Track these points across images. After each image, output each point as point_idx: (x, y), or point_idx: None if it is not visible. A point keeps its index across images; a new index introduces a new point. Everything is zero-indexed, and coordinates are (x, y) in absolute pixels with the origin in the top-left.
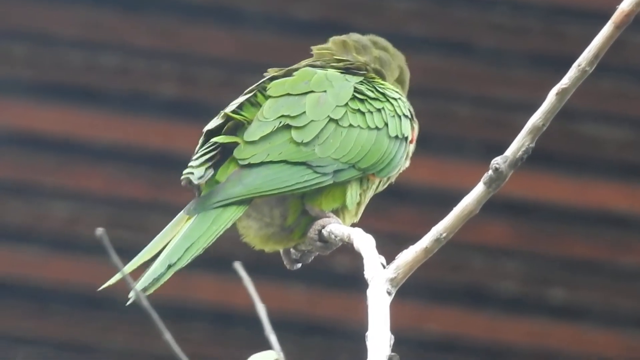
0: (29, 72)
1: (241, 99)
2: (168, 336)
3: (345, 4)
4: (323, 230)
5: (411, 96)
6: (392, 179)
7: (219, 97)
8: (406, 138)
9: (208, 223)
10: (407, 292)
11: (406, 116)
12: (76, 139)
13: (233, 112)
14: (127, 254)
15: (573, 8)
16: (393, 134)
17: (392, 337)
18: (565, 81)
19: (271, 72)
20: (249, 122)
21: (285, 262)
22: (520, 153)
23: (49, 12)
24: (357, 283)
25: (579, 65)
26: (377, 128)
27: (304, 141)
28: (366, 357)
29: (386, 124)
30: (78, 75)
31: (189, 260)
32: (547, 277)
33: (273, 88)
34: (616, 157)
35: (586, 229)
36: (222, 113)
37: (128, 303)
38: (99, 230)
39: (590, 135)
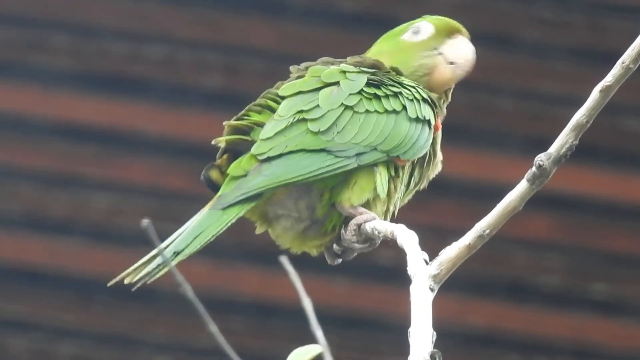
0: (72, 62)
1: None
2: (213, 327)
3: None
4: (366, 226)
5: (454, 89)
6: (425, 183)
7: (263, 89)
8: (428, 121)
9: (219, 214)
10: (449, 285)
11: (425, 100)
12: (118, 130)
13: (238, 119)
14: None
15: (617, 2)
16: (413, 116)
17: (435, 333)
18: (609, 78)
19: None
20: (261, 125)
21: (327, 257)
22: (563, 150)
23: (91, 1)
24: (400, 276)
25: (622, 63)
26: (395, 111)
27: (320, 130)
28: (408, 351)
29: (404, 107)
30: (121, 66)
31: (197, 249)
32: (590, 271)
33: (285, 89)
34: None
35: (629, 224)
36: (226, 125)
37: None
38: (145, 222)
39: (633, 129)
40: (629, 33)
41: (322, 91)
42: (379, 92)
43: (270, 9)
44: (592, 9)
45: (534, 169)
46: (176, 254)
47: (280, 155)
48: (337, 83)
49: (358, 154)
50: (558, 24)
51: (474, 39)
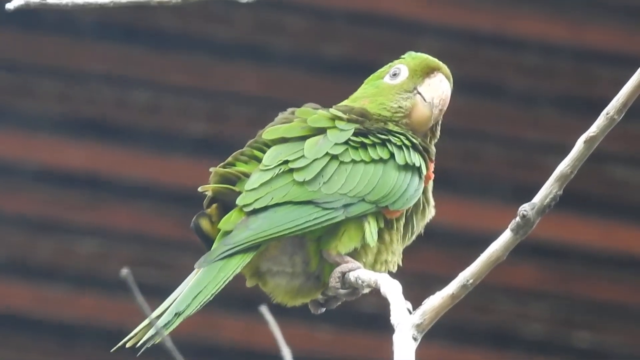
0: (59, 108)
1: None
2: None
3: (375, 43)
4: (350, 275)
5: (440, 136)
6: (421, 229)
7: (248, 135)
8: (419, 169)
9: (215, 271)
10: (433, 333)
11: (415, 147)
12: (104, 176)
13: (224, 166)
14: (155, 293)
15: (603, 52)
16: (402, 163)
17: None
18: (593, 129)
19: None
20: (248, 176)
21: (310, 307)
22: (548, 200)
23: (79, 48)
24: (383, 323)
25: (607, 114)
26: (382, 160)
27: (306, 179)
28: None
29: (392, 154)
30: (108, 112)
31: (197, 308)
32: (574, 320)
33: (268, 133)
34: None
35: (613, 273)
36: (212, 172)
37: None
38: (124, 271)
39: (618, 178)
40: (615, 82)
41: (307, 140)
42: (366, 141)
43: (256, 55)
44: (579, 57)
45: (517, 219)
46: (177, 315)
47: (266, 208)
48: (324, 129)
49: (345, 205)
50: (545, 72)
51: (459, 87)
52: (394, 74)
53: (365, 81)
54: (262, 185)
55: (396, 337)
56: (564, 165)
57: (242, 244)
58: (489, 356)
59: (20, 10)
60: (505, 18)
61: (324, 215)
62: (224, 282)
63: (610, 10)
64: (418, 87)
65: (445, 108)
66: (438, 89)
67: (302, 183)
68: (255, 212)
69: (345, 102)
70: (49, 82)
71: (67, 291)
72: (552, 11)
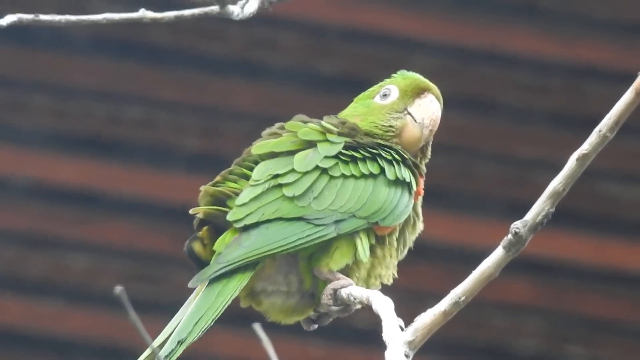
0: (52, 123)
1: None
2: None
3: (368, 60)
4: (342, 292)
5: (433, 153)
6: (411, 243)
7: (242, 151)
8: (409, 184)
9: (214, 296)
10: (426, 350)
11: (405, 162)
12: (98, 192)
13: (214, 184)
14: (148, 308)
15: (595, 69)
16: (392, 178)
17: None
18: (585, 146)
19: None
20: (237, 194)
21: (302, 324)
22: (540, 217)
23: (72, 63)
24: (376, 339)
25: (599, 131)
26: (372, 175)
27: (295, 195)
28: None
29: (383, 169)
30: (101, 128)
31: (199, 335)
32: (567, 335)
33: (258, 147)
34: (635, 216)
35: (606, 288)
36: (202, 191)
37: None
38: (118, 288)
39: (611, 195)
40: (607, 98)
41: (297, 154)
42: (356, 155)
43: (250, 71)
44: (571, 74)
45: (510, 236)
46: (180, 342)
47: (258, 224)
48: (314, 143)
49: (337, 222)
50: (537, 88)
51: (452, 103)
52: (384, 95)
53: (355, 99)
54: (252, 200)
55: (388, 354)
56: (556, 183)
57: (236, 262)
58: None
59: (14, 27)
60: (498, 35)
61: (316, 232)
62: (223, 306)
63: (603, 27)
64: (408, 107)
65: (435, 129)
66: (428, 110)
67: (292, 198)
68: (247, 229)
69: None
70: (41, 97)
71: (59, 306)
72: (545, 28)
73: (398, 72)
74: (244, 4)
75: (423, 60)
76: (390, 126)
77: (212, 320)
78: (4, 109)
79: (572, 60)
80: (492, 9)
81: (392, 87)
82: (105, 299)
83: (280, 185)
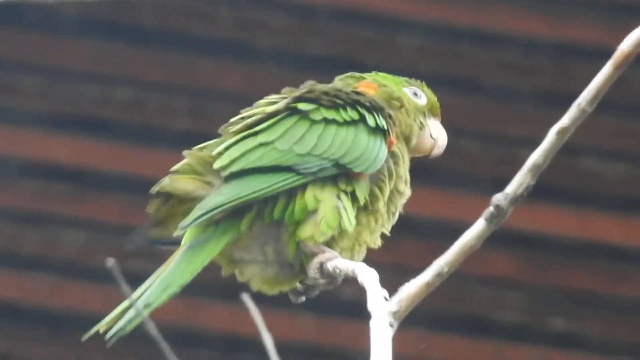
0: (43, 104)
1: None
2: None
3: (357, 41)
4: (328, 265)
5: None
6: (400, 208)
7: None
8: (385, 131)
9: (185, 262)
10: (411, 321)
11: (383, 111)
12: (89, 170)
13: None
14: (139, 281)
15: (581, 48)
16: (372, 125)
17: None
18: (565, 120)
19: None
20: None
21: (290, 296)
22: (520, 190)
23: (62, 45)
24: (362, 311)
25: (578, 105)
26: (353, 121)
27: (270, 140)
28: None
29: (363, 117)
30: (92, 108)
31: (166, 300)
32: (548, 307)
33: (245, 110)
34: (616, 191)
35: (586, 261)
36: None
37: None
38: (110, 261)
39: (591, 170)
40: (591, 76)
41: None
42: (337, 101)
43: (238, 52)
44: (558, 53)
45: (491, 208)
46: (147, 306)
47: (239, 174)
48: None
49: (319, 170)
50: (523, 68)
51: (439, 82)
52: (415, 94)
53: (381, 75)
54: (231, 145)
55: (373, 324)
56: (536, 156)
57: (217, 208)
58: (465, 343)
59: (3, 6)
60: (484, 14)
61: (294, 175)
62: (192, 275)
63: (589, 6)
64: (426, 119)
65: (440, 153)
66: (443, 135)
67: (270, 143)
68: (229, 178)
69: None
70: (32, 78)
71: (53, 281)
72: (531, 7)
73: (421, 83)
74: None
75: (410, 39)
76: (414, 124)
77: (181, 286)
78: None
79: (558, 40)
80: None
81: (421, 94)
82: (98, 273)
83: (256, 134)
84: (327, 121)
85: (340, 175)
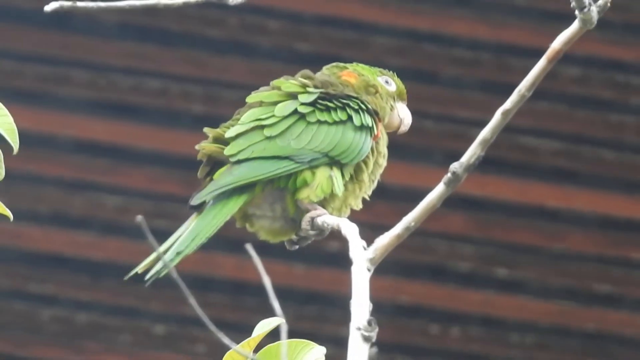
0: (88, 92)
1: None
2: (193, 301)
3: (338, 40)
4: (317, 220)
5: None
6: (378, 177)
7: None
8: (370, 128)
9: (210, 217)
10: (383, 269)
11: (368, 110)
12: (123, 147)
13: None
14: (165, 238)
15: (517, 46)
16: (358, 124)
17: (371, 305)
18: (508, 103)
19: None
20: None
21: (286, 244)
22: (473, 160)
23: (104, 44)
24: (344, 261)
25: (519, 91)
26: (342, 121)
27: (272, 135)
28: (350, 321)
29: (350, 117)
30: (126, 96)
31: (195, 248)
32: (494, 258)
33: (251, 97)
34: (549, 163)
35: (526, 221)
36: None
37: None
38: (138, 218)
39: (529, 145)
40: (527, 70)
41: (279, 104)
42: (330, 104)
43: (243, 50)
44: (498, 51)
45: (449, 174)
46: (178, 254)
47: (247, 159)
48: (295, 94)
49: (311, 160)
50: (471, 63)
51: (404, 75)
52: (387, 82)
53: (361, 66)
54: (237, 135)
55: (354, 268)
56: (485, 132)
57: (227, 186)
58: (427, 287)
59: (56, 12)
60: (440, 19)
61: (291, 164)
62: (218, 226)
63: (523, 13)
64: (395, 103)
65: (406, 130)
66: (408, 115)
67: (274, 138)
68: (239, 162)
69: (336, 65)
70: (78, 72)
71: (95, 237)
72: (477, 14)
73: (390, 72)
74: None
75: (381, 40)
76: (385, 106)
77: (207, 238)
78: (50, 82)
79: (499, 40)
80: None
81: (392, 82)
82: (131, 230)
83: (262, 127)
84: (320, 122)
85: (332, 162)
